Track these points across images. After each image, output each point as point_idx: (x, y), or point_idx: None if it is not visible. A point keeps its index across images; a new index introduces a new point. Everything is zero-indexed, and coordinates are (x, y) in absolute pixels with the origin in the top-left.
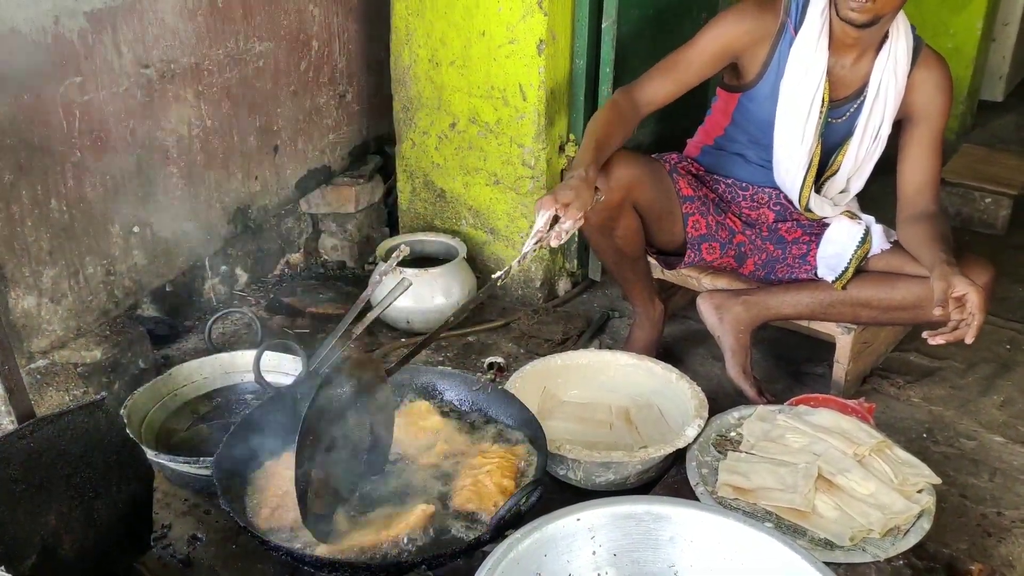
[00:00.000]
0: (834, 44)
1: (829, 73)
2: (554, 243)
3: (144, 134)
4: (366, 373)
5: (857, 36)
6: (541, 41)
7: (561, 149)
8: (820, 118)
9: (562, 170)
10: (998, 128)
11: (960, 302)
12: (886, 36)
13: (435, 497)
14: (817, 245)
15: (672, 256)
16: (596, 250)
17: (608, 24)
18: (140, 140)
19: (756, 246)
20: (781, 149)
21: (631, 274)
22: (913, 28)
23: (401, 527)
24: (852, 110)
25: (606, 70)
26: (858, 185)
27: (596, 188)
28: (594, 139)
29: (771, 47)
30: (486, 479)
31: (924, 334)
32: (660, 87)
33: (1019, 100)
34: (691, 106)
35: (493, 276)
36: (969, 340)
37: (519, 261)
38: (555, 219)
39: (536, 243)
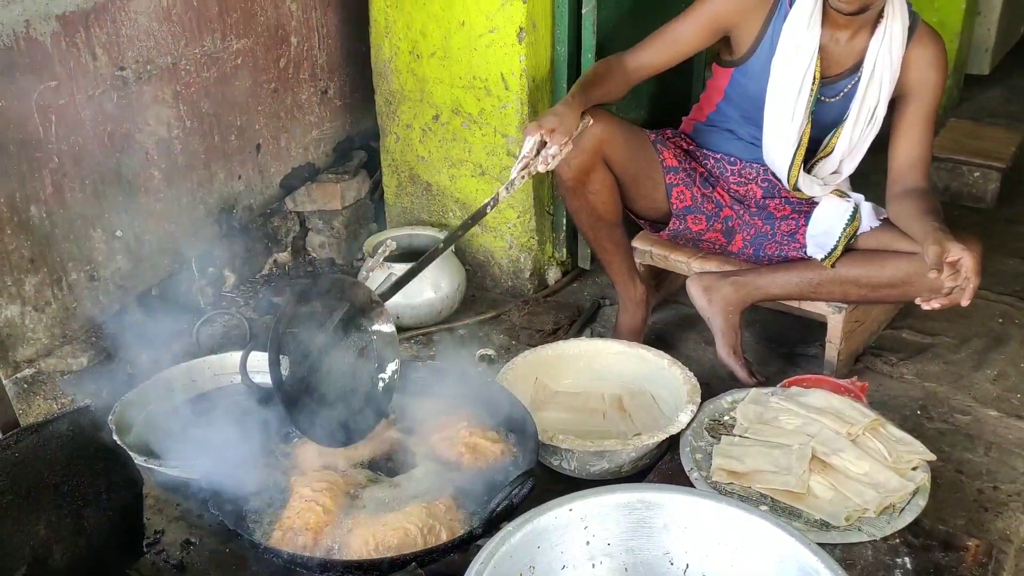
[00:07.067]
0: (828, 21)
1: (822, 50)
2: (541, 168)
3: (123, 136)
4: (357, 294)
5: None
6: (521, 29)
7: None
8: (811, 96)
9: None
10: (985, 101)
11: (954, 267)
12: (882, 14)
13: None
14: (806, 223)
15: (657, 223)
16: (573, 214)
17: (588, 10)
18: (119, 143)
19: (744, 221)
20: (770, 126)
21: (610, 244)
22: (909, 4)
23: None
24: (847, 89)
25: (588, 56)
26: (851, 167)
27: (583, 114)
28: (582, 82)
29: (765, 21)
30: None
31: (918, 300)
32: (652, 55)
33: (1005, 73)
34: (687, 86)
35: (482, 204)
36: (965, 303)
37: (507, 187)
38: (542, 145)
39: (523, 169)
